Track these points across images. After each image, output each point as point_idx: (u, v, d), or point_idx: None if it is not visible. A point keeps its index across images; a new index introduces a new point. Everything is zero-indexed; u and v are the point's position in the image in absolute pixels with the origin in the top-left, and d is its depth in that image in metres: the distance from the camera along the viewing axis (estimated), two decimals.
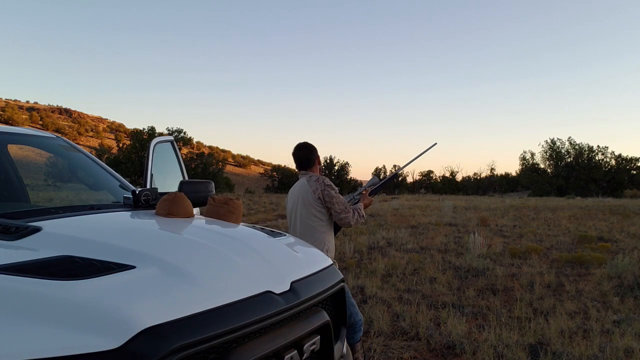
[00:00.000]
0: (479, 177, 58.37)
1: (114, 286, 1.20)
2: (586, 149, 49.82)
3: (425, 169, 63.49)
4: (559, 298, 5.38)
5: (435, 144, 3.73)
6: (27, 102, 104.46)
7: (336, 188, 3.16)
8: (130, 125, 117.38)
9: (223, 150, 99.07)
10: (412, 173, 61.10)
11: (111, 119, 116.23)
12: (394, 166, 60.63)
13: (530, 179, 49.94)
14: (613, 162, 48.98)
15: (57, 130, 74.30)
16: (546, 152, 51.12)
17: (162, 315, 1.13)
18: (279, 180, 57.56)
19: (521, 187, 54.29)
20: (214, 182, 2.85)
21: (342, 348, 1.87)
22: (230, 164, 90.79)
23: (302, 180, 3.23)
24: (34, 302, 1.10)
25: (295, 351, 1.43)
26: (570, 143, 50.37)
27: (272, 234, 2.07)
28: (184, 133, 48.94)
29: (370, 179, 3.53)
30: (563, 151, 50.55)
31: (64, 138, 3.01)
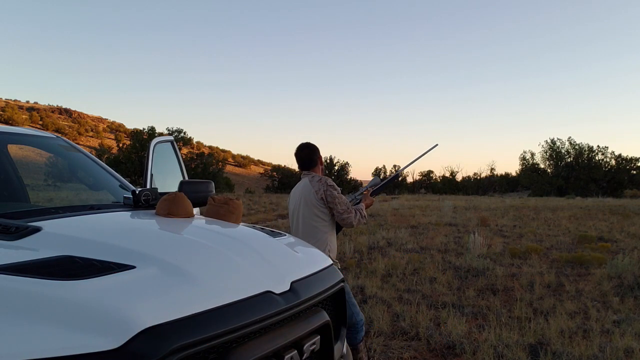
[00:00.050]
0: (479, 177, 58.35)
1: (114, 286, 1.20)
2: (586, 149, 49.80)
3: (425, 169, 63.51)
4: (559, 298, 5.38)
5: (437, 145, 3.73)
6: (27, 102, 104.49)
7: (338, 188, 3.16)
8: (130, 125, 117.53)
9: (223, 150, 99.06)
10: (412, 173, 61.10)
11: (111, 119, 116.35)
12: (394, 166, 60.63)
13: (530, 179, 49.92)
14: (613, 162, 48.96)
15: (57, 130, 74.30)
16: (546, 152, 51.11)
17: (162, 315, 1.13)
18: (279, 180, 57.54)
19: (521, 187, 54.26)
20: (214, 182, 2.85)
21: (342, 348, 1.87)
22: (230, 164, 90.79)
23: (305, 180, 3.23)
24: (34, 302, 1.10)
25: (295, 351, 1.43)
26: (570, 143, 50.38)
27: (272, 234, 2.07)
28: (184, 133, 48.93)
29: (372, 179, 3.54)
30: (563, 151, 50.54)
31: (64, 138, 3.00)
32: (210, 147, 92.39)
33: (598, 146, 50.01)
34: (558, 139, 50.81)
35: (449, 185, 55.46)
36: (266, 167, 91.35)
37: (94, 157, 2.91)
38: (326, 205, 3.13)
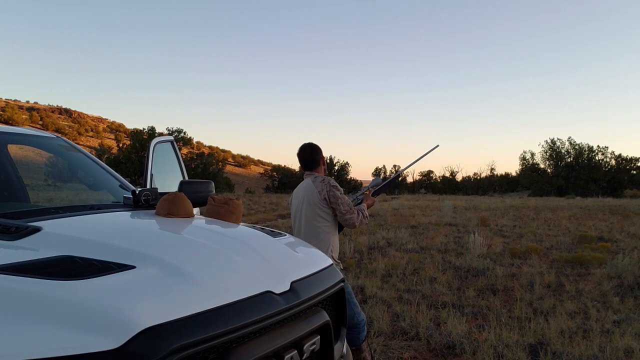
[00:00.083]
0: (479, 177, 58.36)
1: (114, 286, 1.20)
2: (586, 149, 49.81)
3: (425, 169, 63.54)
4: (559, 298, 5.38)
5: (437, 145, 3.74)
6: (27, 102, 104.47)
7: (341, 189, 3.16)
8: (130, 125, 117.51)
9: (223, 150, 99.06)
10: (412, 173, 61.13)
11: (111, 119, 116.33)
12: (394, 166, 60.70)
13: (530, 179, 49.92)
14: (613, 162, 48.97)
15: (57, 130, 74.29)
16: (546, 152, 51.13)
17: (162, 315, 1.13)
18: (279, 180, 57.53)
19: (521, 187, 54.26)
20: (214, 182, 2.85)
21: (342, 348, 1.87)
22: (230, 164, 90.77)
23: (308, 180, 3.22)
24: (34, 302, 1.10)
25: (295, 351, 1.43)
26: (570, 143, 50.39)
27: (272, 234, 2.07)
28: (184, 133, 48.94)
29: (373, 180, 3.54)
30: (563, 151, 50.55)
31: (64, 138, 3.00)
32: (210, 147, 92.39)
33: (598, 146, 50.09)
34: (558, 139, 50.91)
35: (449, 185, 55.46)
36: (266, 167, 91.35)
37: (94, 157, 2.91)
38: (329, 206, 3.13)
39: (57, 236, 1.57)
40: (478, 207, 20.26)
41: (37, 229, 1.58)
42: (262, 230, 2.09)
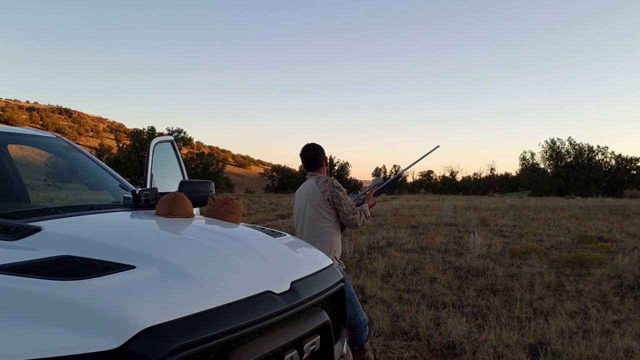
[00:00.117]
0: (479, 177, 58.37)
1: (114, 286, 1.20)
2: (586, 149, 49.82)
3: (425, 169, 63.55)
4: (559, 298, 5.38)
5: (438, 146, 3.74)
6: (27, 102, 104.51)
7: (344, 190, 3.16)
8: (130, 125, 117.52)
9: (223, 150, 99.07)
10: (412, 173, 61.14)
11: (111, 119, 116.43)
12: (394, 166, 60.73)
13: (530, 179, 49.93)
14: (613, 162, 48.99)
15: (57, 130, 74.28)
16: (546, 152, 51.13)
17: (162, 315, 1.13)
18: (279, 180, 57.54)
19: (521, 187, 54.28)
20: (214, 182, 2.85)
21: (342, 348, 1.87)
22: (230, 164, 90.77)
23: (311, 181, 3.22)
24: (34, 302, 1.10)
25: (295, 351, 1.43)
26: (570, 143, 50.40)
27: (272, 234, 2.07)
28: (184, 133, 48.95)
29: (375, 180, 3.54)
30: (563, 151, 50.56)
31: (64, 138, 3.00)
32: (210, 147, 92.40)
33: (598, 146, 50.12)
34: (558, 139, 50.92)
35: (449, 185, 55.47)
36: (266, 167, 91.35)
37: (94, 157, 2.91)
38: (332, 206, 3.13)
39: (57, 236, 1.57)
40: (478, 207, 20.26)
41: (37, 229, 1.58)
42: (262, 230, 2.09)
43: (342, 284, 1.91)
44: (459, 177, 58.79)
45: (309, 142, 3.29)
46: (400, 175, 3.96)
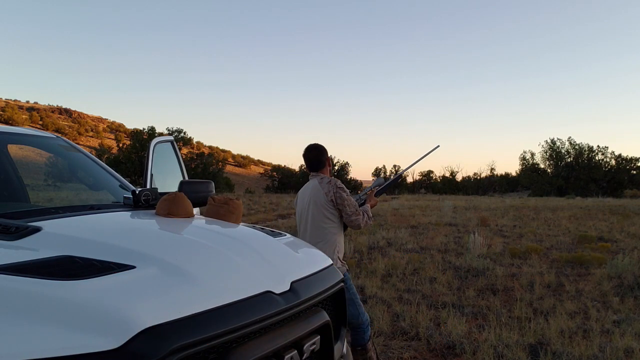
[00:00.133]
0: (479, 177, 58.37)
1: (114, 286, 1.20)
2: (586, 149, 49.81)
3: (426, 169, 63.55)
4: (559, 298, 5.38)
5: (438, 146, 3.75)
6: (27, 102, 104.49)
7: (347, 190, 3.16)
8: (130, 125, 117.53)
9: (223, 150, 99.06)
10: (412, 173, 61.13)
11: (111, 119, 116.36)
12: (394, 166, 60.72)
13: (530, 179, 49.93)
14: (613, 162, 48.98)
15: (57, 130, 74.28)
16: (546, 152, 51.13)
17: (162, 315, 1.13)
18: (279, 180, 57.56)
19: (521, 187, 54.27)
20: (214, 182, 2.85)
21: (342, 348, 1.87)
22: (230, 164, 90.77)
23: (314, 181, 3.22)
24: (34, 302, 1.10)
25: (295, 351, 1.43)
26: (570, 143, 50.40)
27: (272, 234, 2.07)
28: (184, 133, 48.93)
29: (376, 180, 3.54)
30: (563, 151, 50.55)
31: (64, 138, 3.00)
32: (210, 147, 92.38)
33: (598, 146, 50.11)
34: (558, 139, 50.92)
35: (449, 185, 55.47)
36: (266, 167, 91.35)
37: (94, 157, 2.91)
38: (335, 207, 3.13)
39: (57, 236, 1.57)
40: (478, 207, 20.26)
41: (37, 229, 1.58)
42: (262, 230, 2.09)
43: (342, 284, 1.91)
44: (459, 177, 58.84)
45: (312, 142, 3.29)
46: (401, 175, 3.97)
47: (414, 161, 3.68)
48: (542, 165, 51.93)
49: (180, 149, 6.34)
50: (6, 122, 65.41)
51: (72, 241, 1.53)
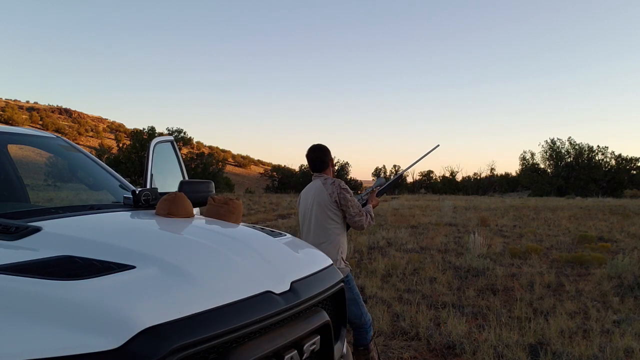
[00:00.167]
0: (479, 177, 58.37)
1: (114, 286, 1.20)
2: (586, 149, 49.82)
3: (426, 169, 63.54)
4: (559, 298, 5.38)
5: (438, 145, 3.75)
6: (27, 102, 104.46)
7: (351, 191, 3.16)
8: (130, 125, 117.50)
9: (223, 150, 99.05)
10: (412, 173, 61.12)
11: (111, 119, 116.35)
12: (394, 166, 60.72)
13: (530, 179, 49.93)
14: (613, 162, 48.99)
15: (57, 130, 74.27)
16: (546, 152, 51.14)
17: (162, 315, 1.13)
18: (279, 180, 57.51)
19: (521, 187, 54.27)
20: (214, 182, 2.85)
21: (342, 348, 1.87)
22: (230, 164, 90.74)
23: (317, 182, 3.21)
24: (34, 302, 1.10)
25: (295, 351, 1.43)
26: (570, 143, 50.40)
27: (272, 234, 2.07)
28: (184, 133, 48.92)
29: (377, 180, 3.54)
30: (563, 151, 50.56)
31: (64, 138, 3.00)
32: (210, 147, 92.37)
33: (598, 146, 50.12)
34: (558, 139, 50.93)
35: (449, 185, 55.47)
36: (266, 167, 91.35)
37: (94, 157, 2.91)
38: (339, 208, 3.13)
39: (57, 236, 1.57)
40: (478, 207, 20.26)
41: (37, 229, 1.58)
42: (262, 230, 2.09)
43: (342, 284, 1.91)
44: (459, 177, 58.84)
45: (315, 143, 3.29)
46: (401, 175, 3.97)
47: (414, 161, 3.68)
48: (542, 165, 51.99)
49: (180, 149, 6.34)
50: (6, 122, 65.40)
51: (72, 241, 1.53)
